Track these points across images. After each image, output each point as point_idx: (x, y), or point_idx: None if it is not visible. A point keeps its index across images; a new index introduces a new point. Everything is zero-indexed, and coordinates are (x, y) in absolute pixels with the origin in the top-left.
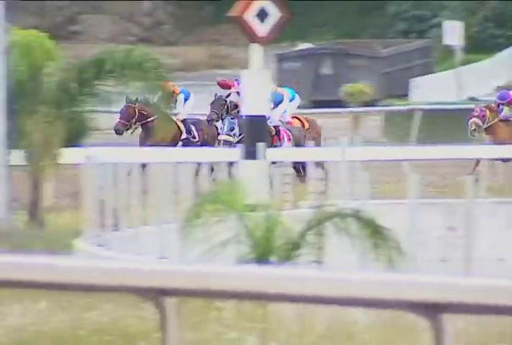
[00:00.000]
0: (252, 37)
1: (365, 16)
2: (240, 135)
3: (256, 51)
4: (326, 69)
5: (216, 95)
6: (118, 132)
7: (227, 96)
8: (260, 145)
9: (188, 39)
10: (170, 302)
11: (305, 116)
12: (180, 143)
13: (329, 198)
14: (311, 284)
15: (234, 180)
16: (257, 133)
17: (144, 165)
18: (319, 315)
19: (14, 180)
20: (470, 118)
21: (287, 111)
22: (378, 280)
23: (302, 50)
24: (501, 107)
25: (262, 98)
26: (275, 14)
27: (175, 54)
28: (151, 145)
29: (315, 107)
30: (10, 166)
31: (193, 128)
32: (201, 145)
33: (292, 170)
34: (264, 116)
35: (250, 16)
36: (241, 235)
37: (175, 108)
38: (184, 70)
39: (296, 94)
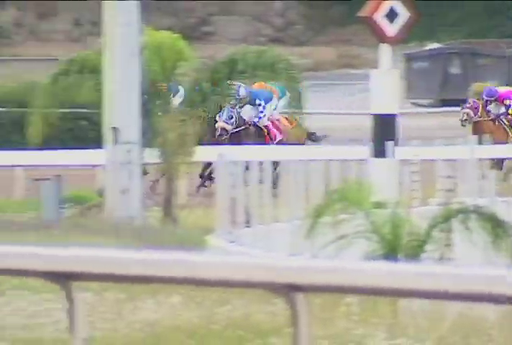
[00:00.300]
0: (381, 37)
1: (493, 16)
2: (238, 127)
3: (385, 51)
4: (455, 68)
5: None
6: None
7: None
8: (389, 143)
9: (318, 40)
10: (300, 297)
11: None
12: None
13: (457, 195)
14: (439, 281)
15: (362, 178)
16: (386, 131)
17: (275, 163)
18: (448, 310)
19: (149, 178)
20: (463, 109)
21: (277, 108)
22: (507, 276)
23: (431, 50)
24: (488, 107)
25: (391, 97)
26: (403, 14)
27: (305, 54)
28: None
29: (443, 106)
30: (145, 164)
31: None
32: None
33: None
34: (393, 115)
35: (380, 17)
36: (368, 232)
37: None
38: (314, 69)
39: (287, 91)
